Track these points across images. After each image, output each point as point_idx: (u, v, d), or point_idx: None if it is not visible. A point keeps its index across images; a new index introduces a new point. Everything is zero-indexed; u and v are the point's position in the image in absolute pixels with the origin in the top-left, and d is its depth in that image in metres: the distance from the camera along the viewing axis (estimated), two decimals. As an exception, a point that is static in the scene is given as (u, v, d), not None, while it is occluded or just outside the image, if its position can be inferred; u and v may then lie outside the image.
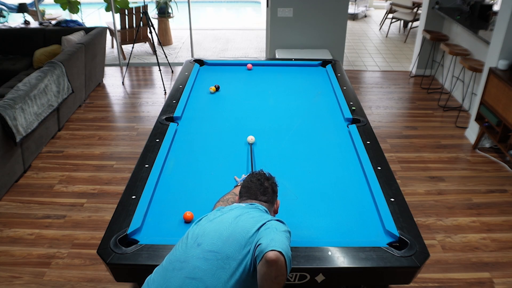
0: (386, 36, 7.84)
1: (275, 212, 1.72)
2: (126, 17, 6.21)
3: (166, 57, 5.72)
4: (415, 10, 7.65)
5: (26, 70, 5.00)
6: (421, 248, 1.70)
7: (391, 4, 8.10)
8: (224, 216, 1.49)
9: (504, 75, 3.67)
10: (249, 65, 3.57)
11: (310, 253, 1.67)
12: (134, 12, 6.25)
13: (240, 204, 1.59)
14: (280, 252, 1.23)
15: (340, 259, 1.66)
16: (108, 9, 6.40)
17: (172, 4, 7.20)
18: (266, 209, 1.60)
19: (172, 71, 6.03)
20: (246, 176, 1.77)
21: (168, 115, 2.78)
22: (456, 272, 2.69)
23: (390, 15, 8.17)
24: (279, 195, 2.08)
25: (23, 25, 5.84)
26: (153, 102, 5.09)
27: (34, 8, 6.82)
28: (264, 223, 1.40)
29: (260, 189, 1.65)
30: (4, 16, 7.05)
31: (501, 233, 3.02)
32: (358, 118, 2.75)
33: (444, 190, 3.47)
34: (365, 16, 9.38)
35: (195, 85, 3.30)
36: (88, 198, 3.36)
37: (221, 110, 2.93)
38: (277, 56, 5.22)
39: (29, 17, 6.99)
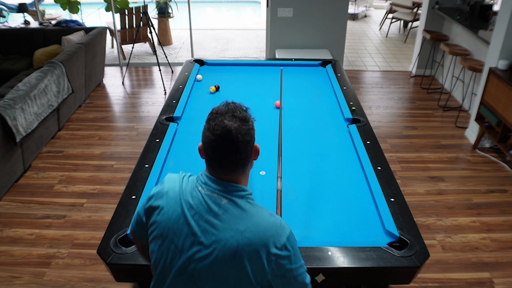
0: (386, 36, 7.84)
1: (254, 159, 1.27)
2: (126, 17, 6.21)
3: (166, 57, 5.72)
4: (415, 10, 7.65)
5: (26, 70, 5.00)
6: (421, 248, 1.70)
7: (391, 4, 8.11)
8: (215, 250, 1.14)
9: (504, 75, 3.67)
10: (277, 102, 2.93)
11: (310, 253, 1.67)
12: (134, 12, 6.25)
13: (213, 206, 1.17)
14: None
15: (340, 259, 1.66)
16: (108, 9, 6.40)
17: (172, 4, 7.20)
18: (247, 200, 1.21)
19: (172, 71, 6.03)
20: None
21: (168, 115, 2.78)
22: (456, 272, 2.69)
23: (390, 15, 8.17)
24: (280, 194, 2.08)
25: (23, 25, 5.84)
26: (153, 102, 5.09)
27: (34, 8, 6.82)
28: (276, 271, 1.15)
29: (232, 156, 1.17)
30: (4, 16, 7.05)
31: (501, 233, 3.02)
32: (358, 118, 2.75)
33: (444, 190, 3.47)
34: (365, 16, 9.38)
35: (195, 85, 3.30)
36: (88, 198, 3.36)
37: (221, 110, 2.92)
38: (277, 56, 5.21)
39: (29, 17, 6.99)
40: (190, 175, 1.30)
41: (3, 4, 7.87)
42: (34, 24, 6.01)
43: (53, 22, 5.84)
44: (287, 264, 1.16)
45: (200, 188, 1.22)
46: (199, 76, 3.36)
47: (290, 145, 2.50)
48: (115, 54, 6.73)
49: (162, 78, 5.52)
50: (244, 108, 1.23)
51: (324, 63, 3.72)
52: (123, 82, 5.69)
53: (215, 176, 1.22)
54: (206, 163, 1.24)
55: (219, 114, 1.18)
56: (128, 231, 1.77)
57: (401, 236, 1.77)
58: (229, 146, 1.15)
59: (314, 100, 3.10)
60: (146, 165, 2.23)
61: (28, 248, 2.86)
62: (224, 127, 1.15)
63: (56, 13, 7.54)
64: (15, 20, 6.94)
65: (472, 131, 4.24)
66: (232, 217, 1.16)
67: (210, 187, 1.21)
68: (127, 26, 6.28)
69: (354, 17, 9.04)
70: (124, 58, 6.38)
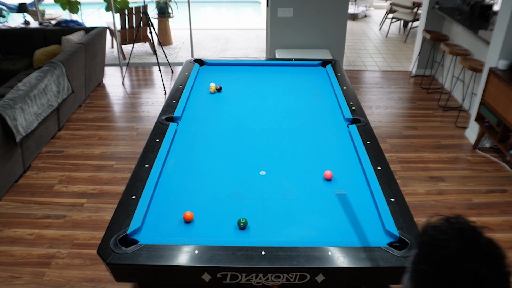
0: (386, 36, 7.84)
1: None
2: (126, 17, 6.21)
3: (166, 57, 5.72)
4: (415, 10, 7.65)
5: (26, 70, 5.00)
6: (421, 248, 1.70)
7: (391, 4, 8.11)
8: None
9: (504, 75, 3.67)
10: (328, 174, 2.25)
11: (310, 253, 1.67)
12: (134, 12, 6.25)
13: None
14: None
15: (340, 259, 1.66)
16: (108, 9, 6.40)
17: (172, 4, 7.20)
18: None
19: (172, 71, 6.03)
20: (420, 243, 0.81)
21: (168, 115, 2.78)
22: (456, 272, 2.68)
23: (390, 15, 8.17)
24: (279, 195, 2.07)
25: (23, 25, 5.84)
26: (153, 102, 5.09)
27: (34, 8, 6.82)
28: None
29: None
30: (4, 16, 7.05)
31: (501, 233, 3.02)
32: (358, 118, 2.75)
33: (444, 190, 3.47)
34: (365, 16, 9.37)
35: (195, 85, 3.29)
36: (88, 198, 3.36)
37: (221, 110, 2.93)
38: (277, 56, 5.21)
39: (29, 17, 6.98)
40: None
41: (3, 4, 7.86)
42: (34, 24, 6.01)
43: (53, 22, 5.84)
44: None
45: None
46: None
47: (290, 145, 2.50)
48: (115, 54, 6.72)
49: (162, 78, 5.52)
50: (479, 230, 0.76)
51: (324, 63, 3.72)
52: (123, 82, 5.69)
53: None
54: None
55: (454, 250, 0.70)
56: (128, 231, 1.77)
57: (401, 236, 1.77)
58: None
59: (314, 100, 3.09)
60: (146, 165, 2.23)
61: (28, 248, 2.86)
62: (482, 280, 0.67)
63: (56, 13, 7.54)
64: (15, 20, 6.94)
65: (472, 131, 4.24)
66: None
67: None
68: (127, 26, 6.28)
69: (354, 17, 9.04)
70: (124, 58, 6.38)
